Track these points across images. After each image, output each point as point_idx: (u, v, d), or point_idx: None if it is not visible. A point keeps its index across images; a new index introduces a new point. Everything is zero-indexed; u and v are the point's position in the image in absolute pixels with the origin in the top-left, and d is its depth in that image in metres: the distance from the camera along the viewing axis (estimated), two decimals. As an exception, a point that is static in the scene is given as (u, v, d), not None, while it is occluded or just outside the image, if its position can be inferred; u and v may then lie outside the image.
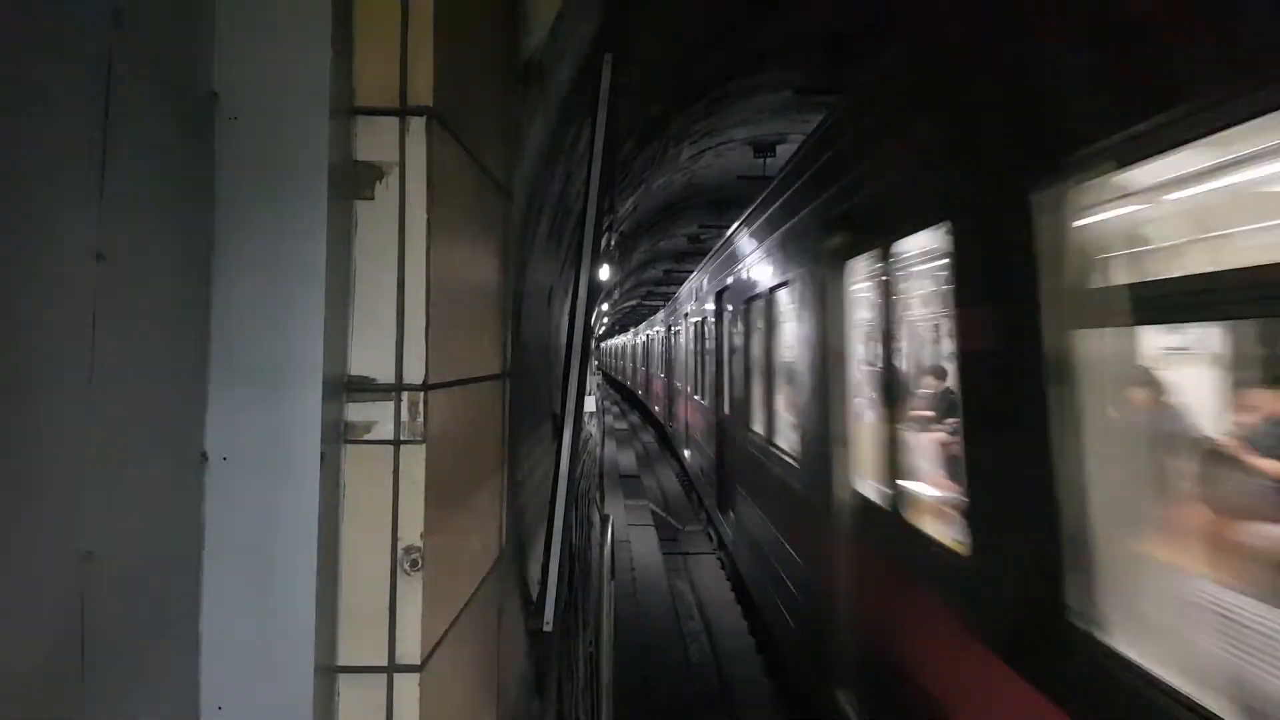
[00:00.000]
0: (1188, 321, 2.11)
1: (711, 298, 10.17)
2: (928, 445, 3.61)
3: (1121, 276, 1.95)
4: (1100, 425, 1.94)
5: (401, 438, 1.87)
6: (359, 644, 1.81)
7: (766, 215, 6.35)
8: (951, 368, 2.98)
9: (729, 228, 8.84)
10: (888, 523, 3.49)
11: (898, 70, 3.46)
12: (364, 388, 1.86)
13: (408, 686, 1.82)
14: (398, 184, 1.89)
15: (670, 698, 6.77)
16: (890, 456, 3.49)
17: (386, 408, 1.86)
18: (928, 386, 3.97)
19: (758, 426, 7.11)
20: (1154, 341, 2.15)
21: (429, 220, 1.91)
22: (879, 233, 3.57)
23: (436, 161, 1.94)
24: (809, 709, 4.95)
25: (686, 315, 14.19)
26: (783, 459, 5.82)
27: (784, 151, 9.92)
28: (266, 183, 1.73)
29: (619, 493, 14.61)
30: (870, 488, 3.80)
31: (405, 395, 1.87)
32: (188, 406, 1.66)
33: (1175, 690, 1.62)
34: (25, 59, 1.22)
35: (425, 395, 1.89)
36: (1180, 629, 1.80)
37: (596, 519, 7.75)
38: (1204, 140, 1.60)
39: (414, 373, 1.89)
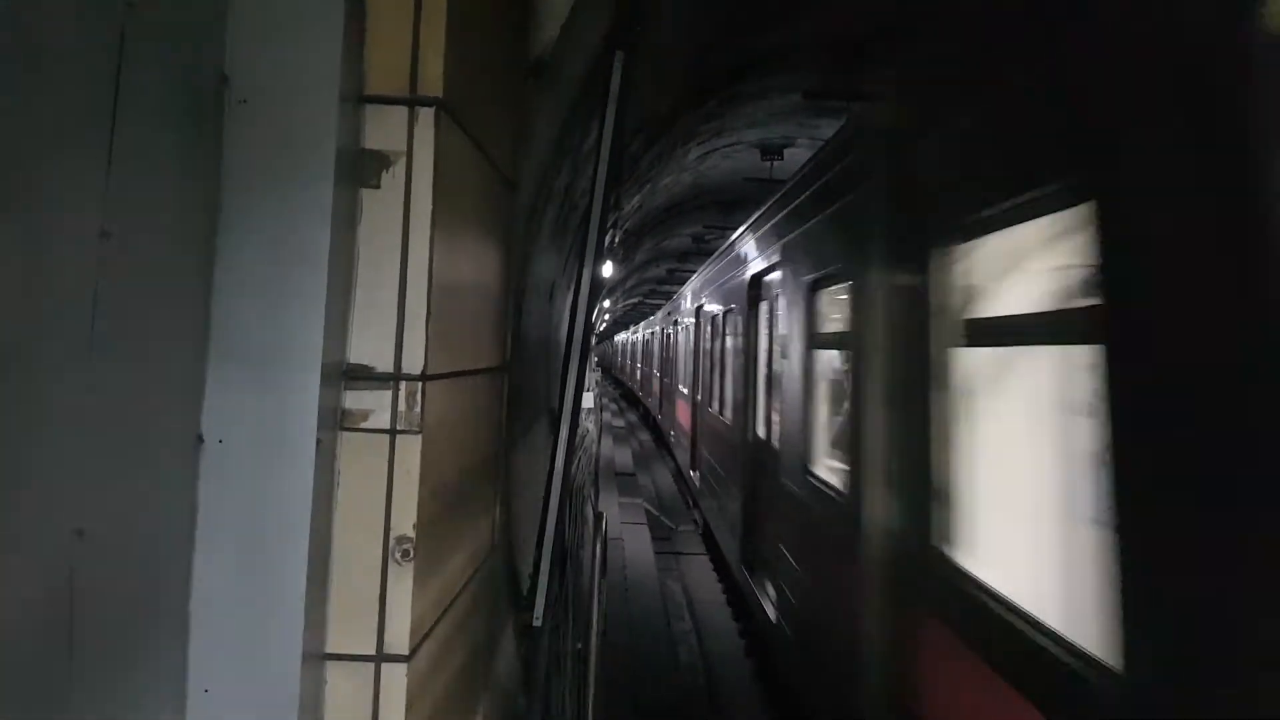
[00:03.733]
0: None
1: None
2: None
3: None
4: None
5: (398, 427, 1.86)
6: (348, 632, 1.81)
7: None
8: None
9: (734, 229, 8.78)
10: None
11: None
12: (362, 376, 1.86)
13: (395, 676, 1.82)
14: (404, 173, 1.88)
15: (658, 697, 6.77)
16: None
17: (384, 397, 1.86)
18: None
19: None
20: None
21: (434, 211, 1.90)
22: None
23: (444, 152, 1.94)
24: None
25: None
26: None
27: (791, 155, 9.90)
28: (273, 167, 1.73)
29: (614, 490, 14.60)
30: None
31: (403, 385, 1.87)
32: (185, 388, 1.66)
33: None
34: (36, 37, 1.22)
35: (423, 385, 1.88)
36: None
37: (590, 516, 7.75)
38: None
39: (413, 362, 1.88)
